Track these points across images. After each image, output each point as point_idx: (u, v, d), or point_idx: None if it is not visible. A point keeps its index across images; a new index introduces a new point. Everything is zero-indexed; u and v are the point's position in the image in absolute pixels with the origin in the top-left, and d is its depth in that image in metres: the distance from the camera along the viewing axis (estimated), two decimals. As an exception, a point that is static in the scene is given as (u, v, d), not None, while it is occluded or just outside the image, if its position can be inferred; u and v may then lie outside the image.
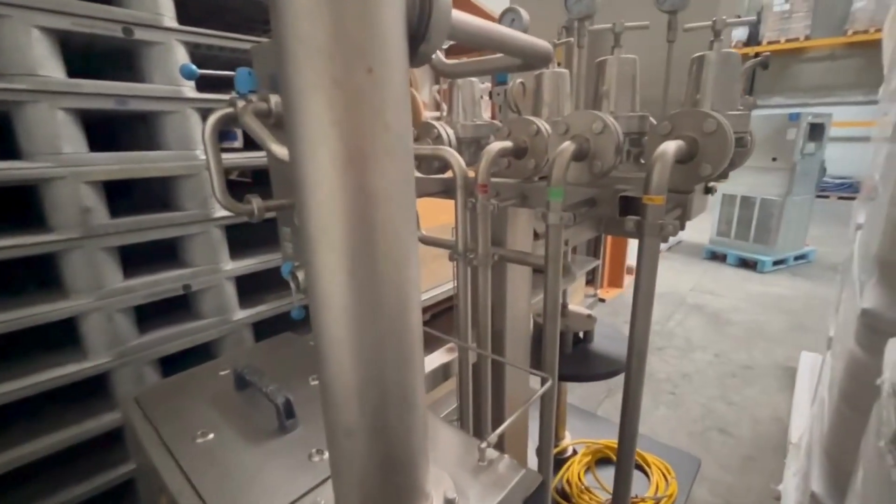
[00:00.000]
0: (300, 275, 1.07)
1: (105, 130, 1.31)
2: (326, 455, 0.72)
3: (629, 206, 0.86)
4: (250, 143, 1.69)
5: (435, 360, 1.08)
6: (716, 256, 4.74)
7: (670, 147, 0.71)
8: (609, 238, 3.83)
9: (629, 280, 4.19)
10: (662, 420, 2.61)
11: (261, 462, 0.71)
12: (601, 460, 1.72)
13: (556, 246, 0.83)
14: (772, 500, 2.05)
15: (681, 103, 0.91)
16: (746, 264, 4.44)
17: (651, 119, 0.94)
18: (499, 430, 0.71)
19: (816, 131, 4.08)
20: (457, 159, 0.97)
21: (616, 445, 1.74)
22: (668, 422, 2.59)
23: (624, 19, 0.94)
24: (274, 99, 0.99)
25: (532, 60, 0.70)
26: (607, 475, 1.65)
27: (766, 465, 2.27)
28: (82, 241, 1.08)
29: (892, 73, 2.07)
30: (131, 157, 1.14)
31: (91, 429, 1.14)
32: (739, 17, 0.90)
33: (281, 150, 0.88)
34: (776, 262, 4.34)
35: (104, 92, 1.06)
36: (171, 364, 1.30)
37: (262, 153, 1.43)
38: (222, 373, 0.96)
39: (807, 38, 6.35)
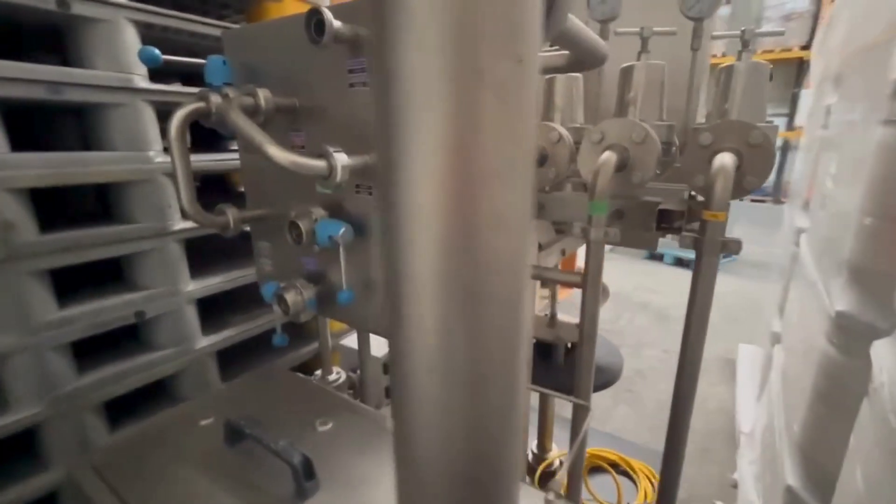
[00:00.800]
0: (289, 297, 0.93)
1: (34, 126, 1.07)
2: (364, 524, 0.60)
3: (663, 219, 0.82)
4: (198, 145, 1.48)
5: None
6: (654, 256, 5.02)
7: (728, 159, 0.68)
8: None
9: (579, 281, 4.31)
10: (624, 418, 2.69)
11: (280, 540, 0.58)
12: (591, 470, 1.70)
13: (596, 264, 0.76)
14: (729, 489, 2.17)
15: (706, 114, 0.89)
16: (682, 263, 4.75)
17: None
18: (559, 476, 0.63)
19: (739, 140, 4.45)
20: (476, 167, 0.88)
21: (605, 454, 1.75)
22: (629, 419, 2.68)
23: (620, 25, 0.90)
24: (262, 93, 0.84)
25: (590, 59, 0.64)
26: (597, 483, 1.64)
27: (720, 455, 2.41)
28: (2, 264, 0.85)
29: (823, 89, 2.26)
30: (67, 158, 0.92)
31: (15, 498, 0.91)
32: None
33: (281, 155, 0.74)
34: (707, 261, 4.69)
35: (32, 77, 0.85)
36: (120, 407, 1.09)
37: (217, 156, 1.25)
38: (204, 422, 0.79)
39: (723, 55, 6.98)
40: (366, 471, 0.68)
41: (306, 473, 0.63)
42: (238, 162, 1.33)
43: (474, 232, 0.33)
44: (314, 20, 0.72)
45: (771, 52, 6.45)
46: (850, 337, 1.28)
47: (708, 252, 0.68)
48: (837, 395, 1.34)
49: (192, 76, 1.31)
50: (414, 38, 0.29)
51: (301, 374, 1.00)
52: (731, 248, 0.67)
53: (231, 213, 0.95)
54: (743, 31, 0.82)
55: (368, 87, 0.78)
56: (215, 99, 0.84)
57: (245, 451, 0.72)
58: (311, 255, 0.97)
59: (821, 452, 1.42)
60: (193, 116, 0.85)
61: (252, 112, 0.83)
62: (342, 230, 0.82)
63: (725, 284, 4.41)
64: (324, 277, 0.98)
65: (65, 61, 0.94)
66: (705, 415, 2.71)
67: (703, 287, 0.70)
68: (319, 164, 0.75)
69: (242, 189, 1.82)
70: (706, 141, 0.76)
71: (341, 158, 0.76)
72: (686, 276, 4.35)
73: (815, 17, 5.54)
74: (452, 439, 0.40)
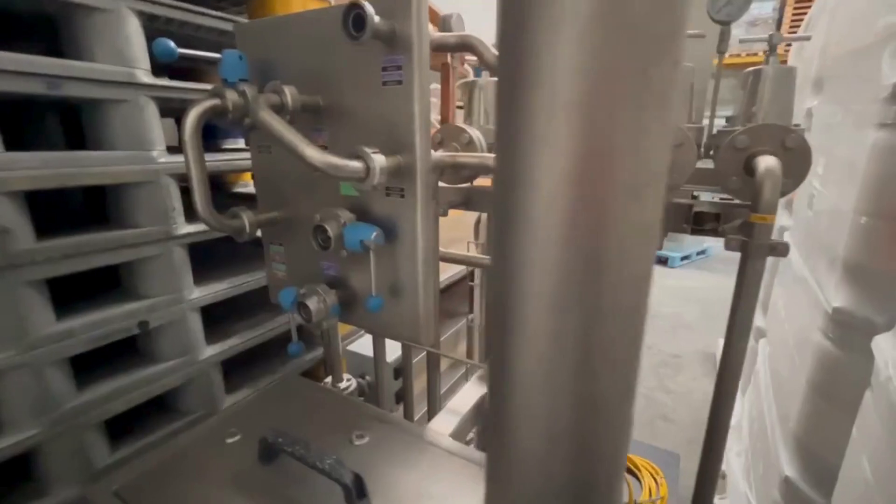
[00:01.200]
0: (311, 304, 0.88)
1: (28, 124, 0.99)
2: (424, 542, 0.57)
3: (695, 221, 0.83)
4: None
5: (475, 392, 0.96)
6: (632, 254, 5.15)
7: (772, 162, 0.68)
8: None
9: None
10: (615, 414, 2.74)
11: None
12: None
13: (637, 266, 0.76)
14: (718, 479, 2.23)
15: (728, 117, 0.90)
16: (660, 260, 4.88)
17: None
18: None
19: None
20: (508, 169, 0.86)
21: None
22: (619, 415, 2.72)
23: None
24: (289, 91, 0.79)
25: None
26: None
27: (706, 447, 2.48)
28: (-2, 274, 0.78)
29: (802, 92, 2.34)
30: (65, 158, 0.85)
31: (11, 527, 0.84)
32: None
33: (317, 156, 0.70)
34: (683, 258, 4.83)
35: (30, 70, 0.77)
36: (120, 424, 1.02)
37: (214, 157, 1.19)
38: (230, 440, 0.74)
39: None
40: (415, 486, 0.66)
41: (359, 492, 0.60)
42: (235, 162, 1.28)
43: (611, 245, 0.31)
44: (353, 14, 0.69)
45: (738, 56, 6.73)
46: (848, 332, 1.33)
47: (754, 255, 0.68)
48: (836, 388, 1.38)
49: (179, 72, 1.23)
50: (569, 34, 0.27)
51: (320, 383, 0.95)
52: (779, 250, 0.68)
53: (246, 217, 0.90)
54: (770, 36, 0.84)
55: (403, 85, 0.75)
56: (232, 96, 0.80)
57: (281, 469, 0.68)
58: (332, 259, 0.94)
59: (819, 444, 1.47)
60: (209, 114, 0.80)
61: (277, 111, 0.78)
62: (374, 234, 0.79)
63: (701, 280, 4.58)
64: (344, 283, 0.94)
65: (48, 54, 0.86)
66: (689, 407, 2.79)
67: (747, 290, 0.70)
68: (356, 165, 0.72)
69: (236, 190, 1.75)
70: (742, 144, 0.77)
71: (379, 160, 0.73)
72: (665, 272, 4.48)
73: (779, 24, 5.77)
74: (557, 462, 0.38)
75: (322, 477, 0.62)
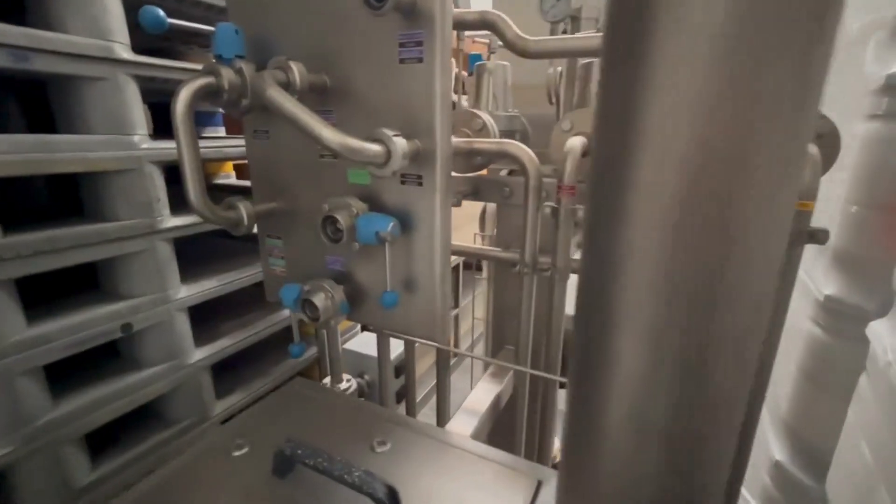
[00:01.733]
0: (318, 301, 0.82)
1: None
2: (470, 557, 0.53)
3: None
4: (163, 131, 1.30)
5: (490, 390, 0.92)
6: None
7: (812, 148, 0.66)
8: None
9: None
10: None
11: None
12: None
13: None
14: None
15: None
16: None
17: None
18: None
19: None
20: (529, 156, 0.82)
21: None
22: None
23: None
24: (297, 68, 0.72)
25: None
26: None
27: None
28: (-41, 274, 0.68)
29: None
30: (36, 141, 0.75)
31: (-20, 559, 0.75)
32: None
33: (334, 137, 0.63)
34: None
35: (-7, 39, 0.68)
36: (101, 437, 0.93)
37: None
38: (238, 453, 0.67)
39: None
40: (451, 495, 0.61)
41: (393, 506, 0.55)
42: (224, 150, 1.18)
43: (743, 230, 0.27)
44: (373, -18, 0.63)
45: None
46: (839, 319, 1.35)
47: (794, 242, 0.66)
48: (827, 374, 1.41)
49: (152, 52, 1.12)
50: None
51: (327, 386, 0.89)
52: (819, 237, 0.66)
53: (244, 208, 0.83)
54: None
55: (423, 63, 0.69)
56: (228, 74, 0.72)
57: (298, 483, 0.62)
58: (340, 253, 0.87)
59: (810, 429, 1.50)
60: (202, 93, 0.72)
61: (283, 88, 0.71)
62: (391, 225, 0.73)
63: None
64: (352, 278, 0.88)
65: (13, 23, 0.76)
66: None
67: (785, 279, 0.69)
68: (376, 148, 0.66)
69: (217, 181, 1.64)
70: (771, 129, 0.75)
71: (400, 143, 0.67)
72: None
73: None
74: (657, 469, 0.34)
75: (344, 489, 0.57)
